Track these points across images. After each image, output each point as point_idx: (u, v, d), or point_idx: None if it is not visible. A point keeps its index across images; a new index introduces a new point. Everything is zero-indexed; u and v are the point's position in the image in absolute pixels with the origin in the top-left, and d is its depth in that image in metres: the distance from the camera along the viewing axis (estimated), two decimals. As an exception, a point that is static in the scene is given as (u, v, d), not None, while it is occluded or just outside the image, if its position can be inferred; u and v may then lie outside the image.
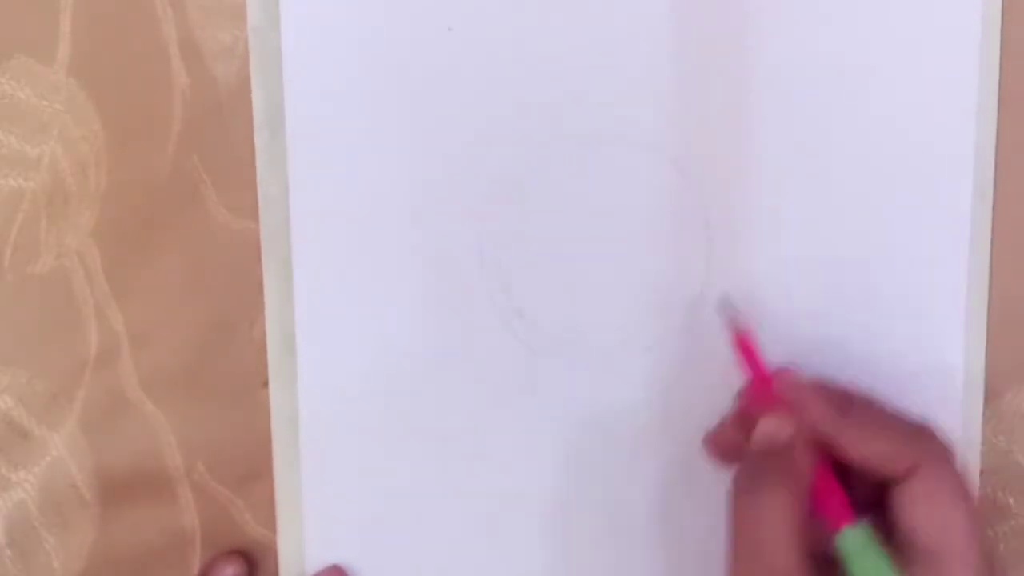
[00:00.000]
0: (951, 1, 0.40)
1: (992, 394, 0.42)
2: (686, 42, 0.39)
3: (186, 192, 0.38)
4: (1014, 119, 0.41)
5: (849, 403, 0.35)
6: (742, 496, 0.34)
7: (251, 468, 0.40)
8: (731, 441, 0.38)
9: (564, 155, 0.39)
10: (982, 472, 0.42)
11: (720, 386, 0.40)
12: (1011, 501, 0.43)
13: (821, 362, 0.41)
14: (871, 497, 0.35)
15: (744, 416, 0.37)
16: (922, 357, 0.41)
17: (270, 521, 0.40)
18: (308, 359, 0.39)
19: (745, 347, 0.38)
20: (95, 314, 0.39)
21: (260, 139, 0.38)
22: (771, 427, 0.35)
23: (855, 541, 0.33)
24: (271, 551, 0.40)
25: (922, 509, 0.32)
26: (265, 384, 0.39)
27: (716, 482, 0.41)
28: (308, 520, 0.40)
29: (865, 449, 0.34)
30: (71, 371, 0.39)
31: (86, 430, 0.39)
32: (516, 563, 0.41)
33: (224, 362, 0.39)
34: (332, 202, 0.39)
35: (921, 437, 0.34)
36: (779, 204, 0.40)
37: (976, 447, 0.42)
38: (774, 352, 0.40)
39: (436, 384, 0.40)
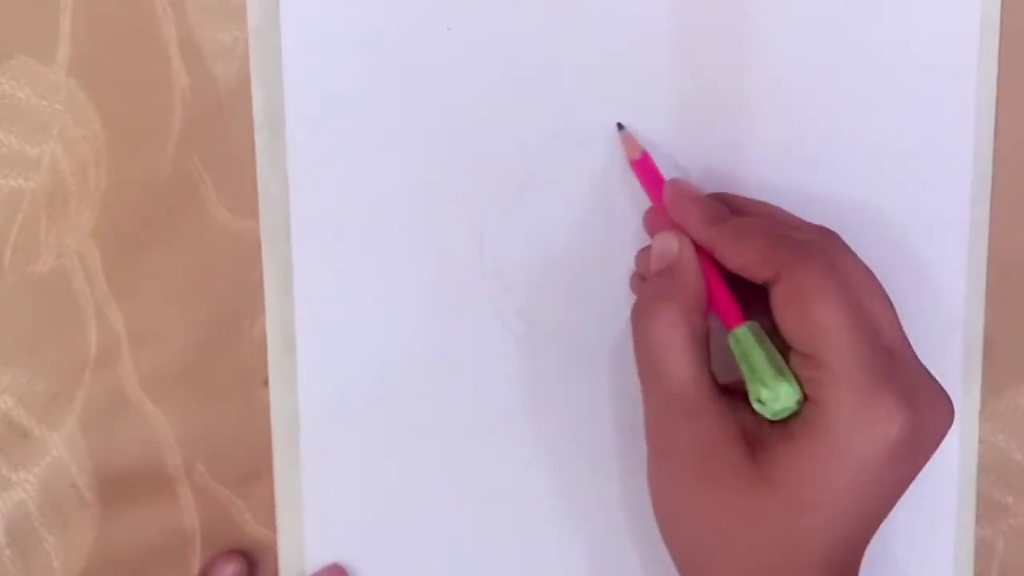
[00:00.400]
0: (951, 2, 0.40)
1: (991, 393, 0.42)
2: (686, 42, 0.39)
3: (186, 192, 0.38)
4: (1013, 119, 0.41)
5: (726, 213, 0.36)
6: (636, 319, 0.35)
7: (251, 468, 0.40)
8: (645, 264, 0.38)
9: (564, 155, 0.39)
10: (981, 471, 0.42)
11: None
12: (1010, 500, 0.43)
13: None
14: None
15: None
16: (921, 356, 0.41)
17: (270, 521, 0.40)
18: (308, 359, 0.39)
19: (643, 168, 0.38)
20: (95, 314, 0.39)
21: (260, 139, 0.38)
22: (661, 244, 0.36)
23: (742, 340, 0.34)
24: (271, 551, 0.40)
25: (788, 310, 0.33)
26: (265, 384, 0.39)
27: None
28: (308, 520, 0.40)
29: (733, 258, 0.34)
30: (71, 371, 0.39)
31: (86, 430, 0.39)
32: (516, 563, 0.41)
33: (224, 362, 0.39)
34: (332, 202, 0.39)
35: (787, 241, 0.34)
36: (778, 204, 0.40)
37: (975, 446, 0.42)
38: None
39: (436, 384, 0.40)
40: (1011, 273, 0.41)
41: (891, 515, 0.43)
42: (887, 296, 0.34)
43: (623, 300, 0.40)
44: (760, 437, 0.33)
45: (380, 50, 0.38)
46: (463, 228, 0.39)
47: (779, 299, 0.33)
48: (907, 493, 0.42)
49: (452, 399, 0.40)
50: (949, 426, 0.34)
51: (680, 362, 0.33)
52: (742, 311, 0.35)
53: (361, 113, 0.38)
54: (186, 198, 0.38)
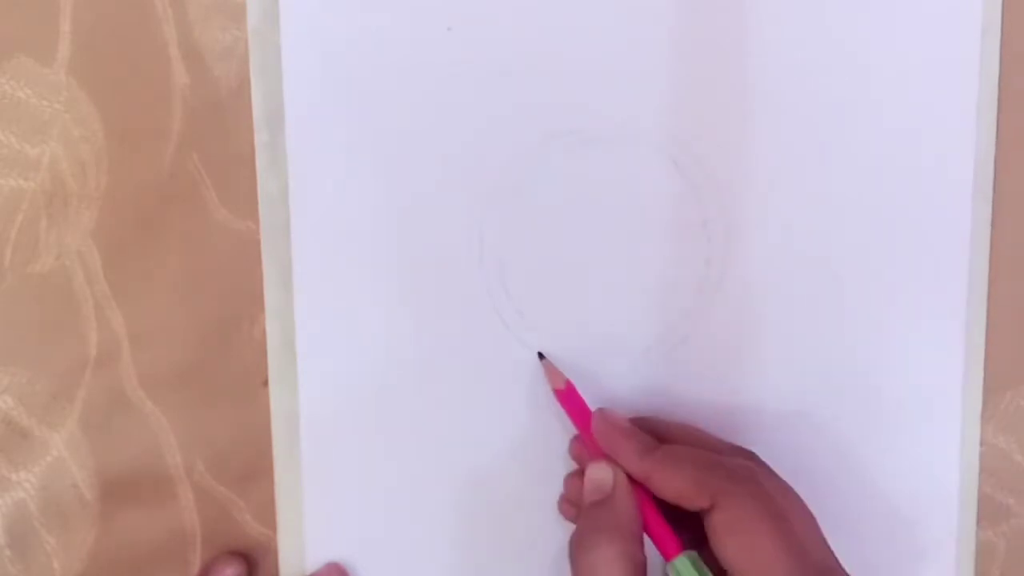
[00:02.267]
0: (951, 2, 0.40)
1: (992, 394, 0.42)
2: (686, 42, 0.39)
3: (186, 192, 0.38)
4: (1014, 119, 0.41)
5: (655, 443, 0.36)
6: (575, 552, 0.35)
7: (251, 468, 0.40)
8: (576, 491, 0.38)
9: (564, 155, 0.39)
10: (982, 472, 0.42)
11: (719, 385, 0.40)
12: (1011, 501, 0.43)
13: (821, 362, 0.41)
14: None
15: (582, 466, 0.38)
16: (922, 357, 0.41)
17: (270, 520, 0.40)
18: (308, 359, 0.39)
19: (568, 398, 0.38)
20: (95, 314, 0.39)
21: (260, 139, 0.38)
22: (595, 475, 0.36)
23: (681, 570, 0.34)
24: (271, 550, 0.40)
25: (723, 539, 0.34)
26: (265, 384, 0.39)
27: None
28: (308, 519, 0.40)
29: (667, 488, 0.35)
30: (71, 371, 0.39)
31: (86, 430, 0.39)
32: (516, 563, 0.41)
33: (224, 362, 0.39)
34: (332, 202, 0.39)
35: (718, 470, 0.35)
36: (778, 204, 0.40)
37: (976, 447, 0.42)
38: (773, 352, 0.40)
39: (435, 384, 0.40)
40: (1013, 274, 0.41)
41: (892, 516, 0.43)
42: (808, 510, 0.35)
43: (622, 300, 0.40)
44: None
45: (380, 50, 0.38)
46: (463, 228, 0.39)
47: (717, 528, 0.34)
48: (908, 494, 0.42)
49: (452, 399, 0.40)
50: None
51: None
52: (679, 540, 0.35)
53: (361, 113, 0.38)
54: (186, 198, 0.38)
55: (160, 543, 0.40)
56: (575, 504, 0.39)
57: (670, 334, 0.40)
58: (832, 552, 0.34)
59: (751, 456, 0.37)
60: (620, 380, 0.40)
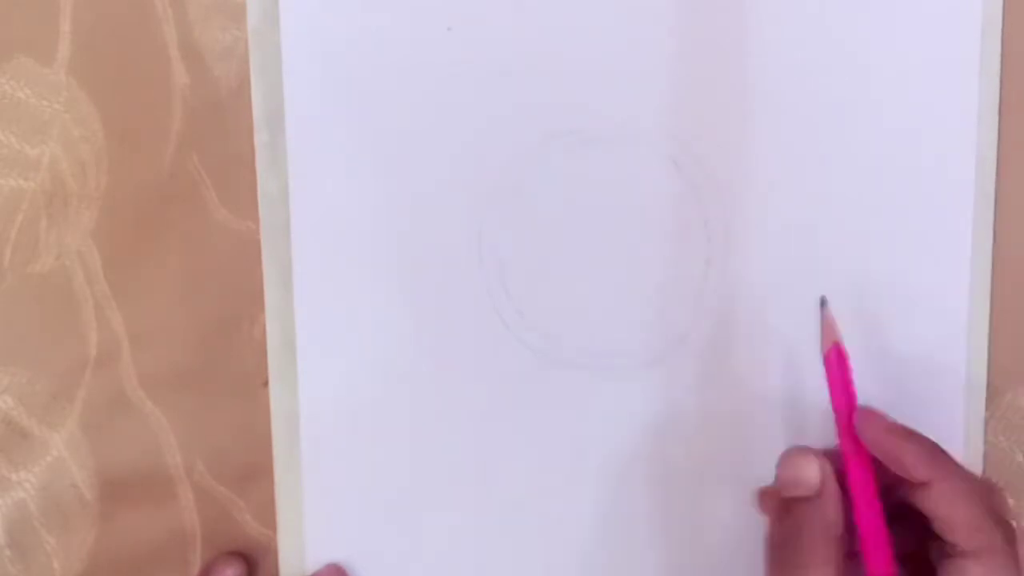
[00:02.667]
0: (952, 3, 0.40)
1: (994, 394, 0.42)
2: (686, 42, 0.39)
3: (186, 192, 0.38)
4: (1016, 120, 0.40)
5: (937, 447, 0.34)
6: (778, 554, 0.33)
7: (251, 468, 0.40)
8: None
9: (564, 155, 0.39)
10: (983, 472, 0.42)
11: (719, 385, 0.40)
12: (1012, 501, 0.43)
13: (820, 361, 0.40)
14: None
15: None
16: (924, 357, 0.41)
17: (270, 521, 0.40)
18: (308, 359, 0.39)
19: (837, 361, 0.36)
20: (95, 314, 0.39)
21: (260, 139, 0.38)
22: (797, 470, 0.34)
23: None
24: (271, 551, 0.40)
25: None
26: (265, 384, 0.39)
27: (715, 484, 0.41)
28: (308, 520, 0.40)
29: (941, 507, 0.33)
30: (71, 371, 0.39)
31: (86, 430, 0.39)
32: (515, 563, 0.41)
33: (224, 362, 0.39)
34: (332, 202, 0.39)
35: (989, 517, 0.33)
36: (778, 204, 0.40)
37: (978, 447, 0.42)
38: (773, 352, 0.40)
39: (436, 384, 0.40)
40: (1015, 274, 0.41)
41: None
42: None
43: (622, 300, 0.40)
44: None
45: (380, 50, 0.38)
46: (463, 228, 0.39)
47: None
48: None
49: (452, 399, 0.40)
50: None
51: None
52: (895, 561, 0.33)
53: (361, 113, 0.38)
54: (186, 198, 0.38)
55: (160, 543, 0.40)
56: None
57: (670, 334, 0.40)
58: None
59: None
60: (620, 380, 0.40)
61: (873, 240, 0.40)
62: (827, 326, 0.36)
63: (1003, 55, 0.40)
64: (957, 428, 0.42)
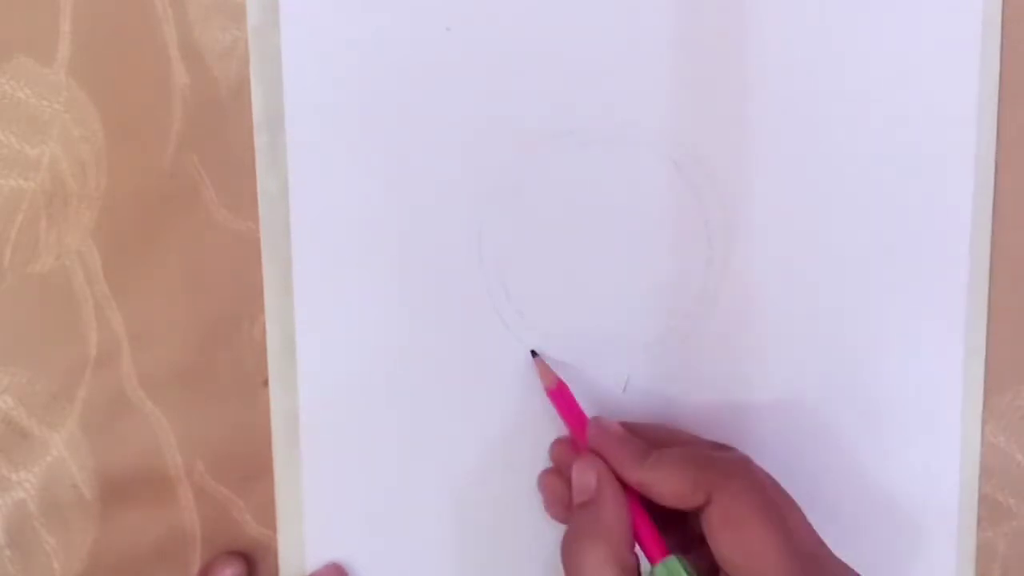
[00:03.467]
0: (951, 2, 0.40)
1: (992, 394, 0.42)
2: (686, 42, 0.39)
3: (186, 192, 0.38)
4: (1015, 118, 0.41)
5: (648, 448, 0.36)
6: (566, 557, 0.35)
7: (251, 468, 0.40)
8: (558, 490, 0.39)
9: (564, 155, 0.39)
10: (982, 472, 0.42)
11: (719, 385, 0.40)
12: (1011, 501, 0.43)
13: (820, 361, 0.41)
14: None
15: (561, 466, 0.39)
16: (922, 357, 0.41)
17: (270, 520, 0.40)
18: (308, 359, 0.39)
19: (560, 398, 0.38)
20: (95, 314, 0.39)
21: (260, 139, 0.38)
22: (580, 477, 0.36)
23: (667, 574, 0.34)
24: (271, 550, 0.40)
25: (719, 533, 0.33)
26: (265, 384, 0.39)
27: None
28: (308, 519, 0.40)
29: (664, 491, 0.35)
30: (71, 371, 0.39)
31: (86, 430, 0.39)
32: (515, 563, 0.41)
33: (224, 362, 0.39)
34: (332, 202, 0.39)
35: (712, 468, 0.35)
36: (779, 204, 0.40)
37: (976, 447, 0.42)
38: (774, 353, 0.40)
39: (435, 384, 0.40)
40: (1013, 274, 0.41)
41: (892, 516, 0.43)
42: (794, 500, 0.35)
43: (622, 300, 0.40)
44: None
45: (380, 50, 0.38)
46: (463, 228, 0.39)
47: (713, 523, 0.34)
48: (908, 494, 0.42)
49: (452, 399, 0.40)
50: None
51: None
52: (664, 543, 0.35)
53: (361, 113, 0.38)
54: (186, 198, 0.38)
55: (160, 543, 0.40)
56: (556, 504, 0.39)
57: (670, 334, 0.40)
58: (821, 539, 0.34)
59: (738, 452, 0.37)
60: (620, 380, 0.40)
61: (872, 240, 0.40)
62: (543, 373, 0.39)
63: (1002, 55, 0.40)
64: (955, 428, 0.42)
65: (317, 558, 0.40)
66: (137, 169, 0.38)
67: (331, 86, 0.38)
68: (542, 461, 0.40)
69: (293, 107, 0.38)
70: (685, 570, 0.34)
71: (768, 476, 0.35)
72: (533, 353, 0.39)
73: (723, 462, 0.35)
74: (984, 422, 0.42)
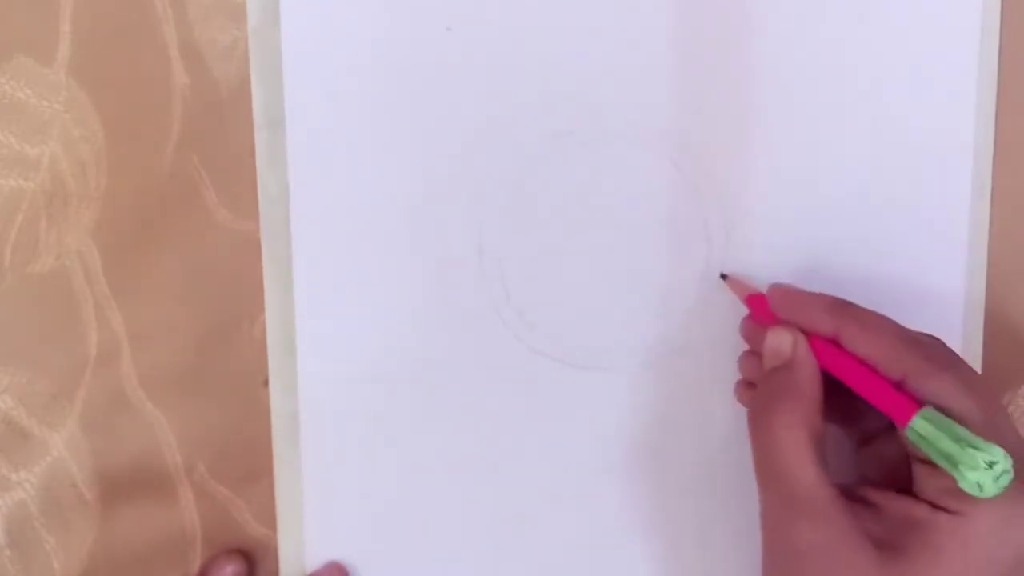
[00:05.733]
0: (951, 2, 0.40)
1: (991, 393, 0.42)
2: (686, 41, 0.39)
3: (186, 192, 0.38)
4: (1013, 119, 0.41)
5: (846, 302, 0.36)
6: (754, 420, 0.35)
7: (251, 467, 0.40)
8: (753, 370, 0.38)
9: (564, 155, 0.39)
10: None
11: (718, 385, 0.40)
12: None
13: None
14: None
15: (754, 346, 0.38)
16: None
17: (270, 520, 0.40)
18: (308, 359, 0.39)
19: (759, 304, 0.38)
20: (95, 314, 0.39)
21: (260, 139, 0.38)
22: (774, 340, 0.36)
23: (924, 432, 0.32)
24: (271, 550, 0.40)
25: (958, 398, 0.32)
26: (265, 383, 0.39)
27: (715, 482, 0.41)
28: (308, 519, 0.40)
29: (859, 346, 0.34)
30: (71, 371, 0.39)
31: (86, 430, 0.39)
32: (515, 562, 0.41)
33: (224, 362, 0.39)
34: (332, 202, 0.39)
35: (916, 346, 0.34)
36: (778, 204, 0.40)
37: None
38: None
39: (436, 384, 0.40)
40: (1011, 273, 0.41)
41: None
42: (994, 394, 0.34)
43: (622, 300, 0.40)
44: (891, 543, 0.33)
45: (380, 50, 0.38)
46: (463, 228, 0.39)
47: (944, 386, 0.33)
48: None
49: (452, 399, 0.40)
50: None
51: (804, 464, 0.33)
52: (907, 396, 0.33)
53: (361, 113, 0.38)
54: (186, 198, 0.38)
55: (160, 543, 0.40)
56: (746, 387, 0.38)
57: (670, 334, 0.40)
58: (1018, 432, 0.33)
59: (942, 343, 0.35)
60: (620, 380, 0.40)
61: (871, 240, 0.40)
62: (738, 289, 0.39)
63: (1002, 55, 0.40)
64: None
65: (317, 557, 0.40)
66: (137, 169, 0.38)
67: (331, 86, 0.38)
68: (541, 460, 0.40)
69: (293, 107, 0.38)
70: (940, 424, 0.32)
71: (971, 370, 0.34)
72: (723, 276, 0.39)
73: (929, 346, 0.34)
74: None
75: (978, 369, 0.41)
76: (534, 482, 0.40)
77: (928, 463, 0.32)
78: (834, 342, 0.35)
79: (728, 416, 0.40)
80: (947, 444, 0.31)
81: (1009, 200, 0.41)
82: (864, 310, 0.35)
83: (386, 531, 0.40)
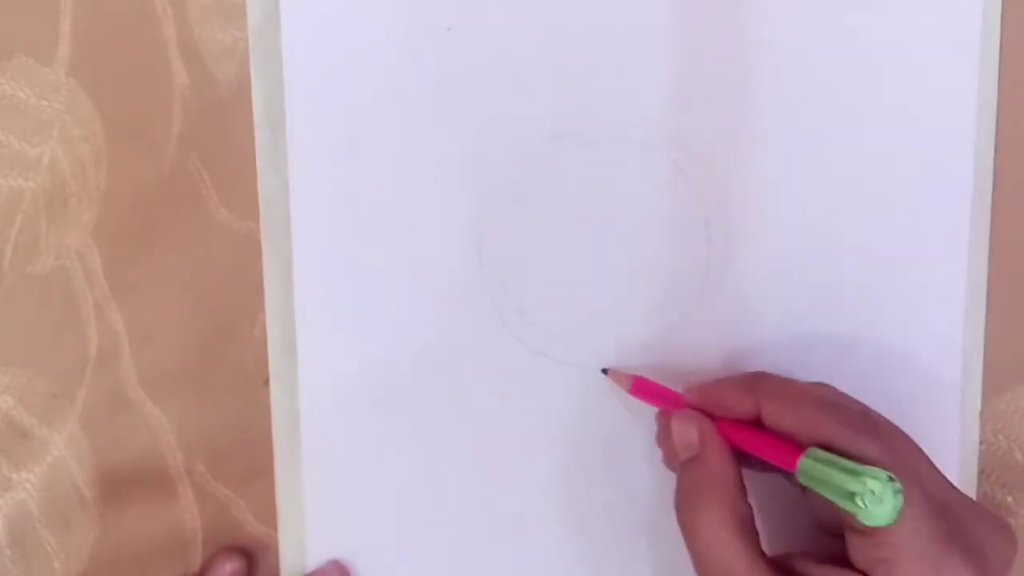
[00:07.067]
0: (951, 2, 0.40)
1: (991, 393, 0.42)
2: (686, 41, 0.39)
3: (186, 192, 0.38)
4: (1014, 119, 0.41)
5: (757, 376, 0.36)
6: (681, 517, 0.35)
7: (252, 467, 0.40)
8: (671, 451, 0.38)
9: (564, 155, 0.39)
10: (981, 471, 0.42)
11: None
12: (1010, 500, 0.43)
13: (819, 360, 0.41)
14: None
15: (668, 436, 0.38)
16: (921, 357, 0.41)
17: (271, 520, 0.40)
18: (308, 359, 0.39)
19: (644, 388, 0.38)
20: (95, 314, 0.39)
21: (260, 138, 0.38)
22: (681, 433, 0.36)
23: (812, 470, 0.32)
24: (272, 550, 0.40)
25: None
26: (266, 383, 0.39)
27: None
28: (309, 519, 0.40)
29: (781, 419, 0.34)
30: (71, 371, 0.39)
31: (87, 430, 0.39)
32: (515, 562, 0.41)
33: (224, 361, 0.39)
34: (332, 201, 0.39)
35: (835, 409, 0.34)
36: (778, 205, 0.40)
37: (975, 446, 0.42)
38: (774, 353, 0.40)
39: (436, 383, 0.40)
40: (1012, 273, 0.41)
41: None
42: (917, 445, 0.34)
43: (622, 300, 0.40)
44: None
45: (380, 50, 0.38)
46: (463, 228, 0.39)
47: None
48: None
49: (452, 399, 0.40)
50: (1014, 554, 0.34)
51: (737, 557, 0.33)
52: (792, 444, 0.34)
53: (361, 113, 0.38)
54: (186, 198, 0.38)
55: (161, 543, 0.40)
56: (674, 461, 0.38)
57: (670, 334, 0.40)
58: (952, 485, 0.33)
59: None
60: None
61: (871, 239, 0.40)
62: (619, 381, 0.39)
63: (1001, 55, 0.40)
64: (954, 427, 0.42)
65: (318, 557, 0.40)
66: (137, 169, 0.38)
67: (331, 86, 0.38)
68: (542, 459, 0.40)
69: (293, 107, 0.38)
70: (826, 457, 0.32)
71: (886, 420, 0.34)
72: (604, 371, 0.39)
73: (842, 406, 0.34)
74: (983, 421, 0.42)
75: (979, 368, 0.41)
76: (534, 482, 0.40)
77: (857, 531, 0.32)
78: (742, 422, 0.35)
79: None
80: (836, 476, 0.31)
81: (1009, 200, 0.41)
82: (775, 379, 0.36)
83: (386, 530, 0.40)
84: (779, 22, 0.39)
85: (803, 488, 0.34)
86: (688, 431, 0.36)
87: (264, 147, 0.38)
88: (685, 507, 0.35)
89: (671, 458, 0.38)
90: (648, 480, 0.41)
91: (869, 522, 0.30)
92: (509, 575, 0.41)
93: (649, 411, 0.40)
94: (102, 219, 0.38)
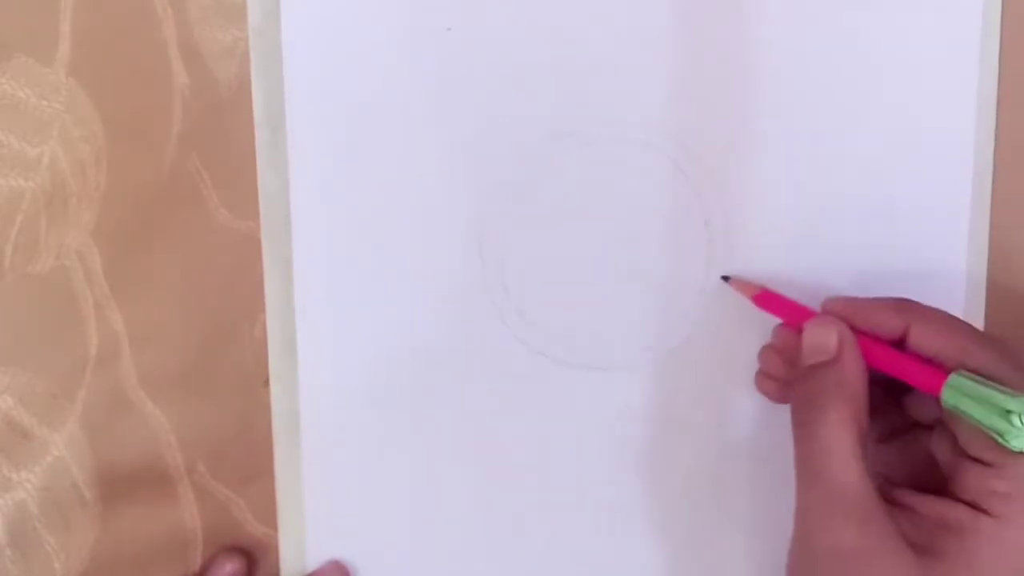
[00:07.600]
0: (951, 2, 0.40)
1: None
2: (686, 41, 0.39)
3: (186, 192, 0.38)
4: (1014, 118, 0.41)
5: (907, 301, 0.36)
6: (798, 418, 0.34)
7: (252, 467, 0.40)
8: (773, 366, 0.38)
9: (564, 155, 0.39)
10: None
11: (719, 385, 0.40)
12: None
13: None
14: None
15: (783, 345, 0.38)
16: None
17: (271, 520, 0.40)
18: (308, 359, 0.39)
19: (768, 300, 0.38)
20: (95, 314, 0.39)
21: (260, 138, 0.38)
22: (817, 336, 0.35)
23: (960, 387, 0.32)
24: (272, 550, 0.40)
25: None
26: (266, 383, 0.39)
27: (714, 480, 0.41)
28: (309, 519, 0.40)
29: (925, 342, 0.34)
30: (71, 371, 0.39)
31: (87, 430, 0.39)
32: (515, 562, 0.41)
33: (224, 362, 0.39)
34: (332, 201, 0.39)
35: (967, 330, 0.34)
36: (779, 204, 0.40)
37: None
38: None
39: (436, 383, 0.40)
40: (1011, 272, 0.41)
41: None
42: None
43: (622, 300, 0.40)
44: (926, 547, 0.32)
45: (380, 50, 0.38)
46: (463, 228, 0.39)
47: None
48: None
49: (452, 399, 0.40)
50: None
51: (850, 465, 0.33)
52: (934, 366, 0.34)
53: (361, 113, 0.38)
54: (186, 198, 0.38)
55: (161, 543, 0.40)
56: (774, 377, 0.38)
57: (670, 334, 0.40)
58: None
59: None
60: (620, 380, 0.40)
61: (872, 239, 0.40)
62: (743, 288, 0.39)
63: (1002, 55, 0.40)
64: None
65: (318, 557, 0.40)
66: (137, 169, 0.38)
67: (331, 86, 0.38)
68: (541, 460, 0.40)
69: (293, 107, 0.38)
70: (973, 378, 0.32)
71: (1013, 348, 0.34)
72: (725, 278, 0.39)
73: (1001, 343, 0.34)
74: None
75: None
76: (534, 482, 0.40)
77: (971, 458, 0.32)
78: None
79: (728, 416, 0.40)
80: (992, 395, 0.31)
81: (1009, 199, 0.41)
82: (932, 308, 0.36)
83: (386, 530, 0.40)
84: (779, 22, 0.39)
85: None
86: (827, 334, 0.35)
87: (264, 147, 0.38)
88: (807, 407, 0.34)
89: (778, 368, 0.38)
90: (649, 479, 0.41)
91: (1018, 444, 0.30)
92: (509, 575, 0.41)
93: (649, 411, 0.40)
94: (102, 219, 0.38)
